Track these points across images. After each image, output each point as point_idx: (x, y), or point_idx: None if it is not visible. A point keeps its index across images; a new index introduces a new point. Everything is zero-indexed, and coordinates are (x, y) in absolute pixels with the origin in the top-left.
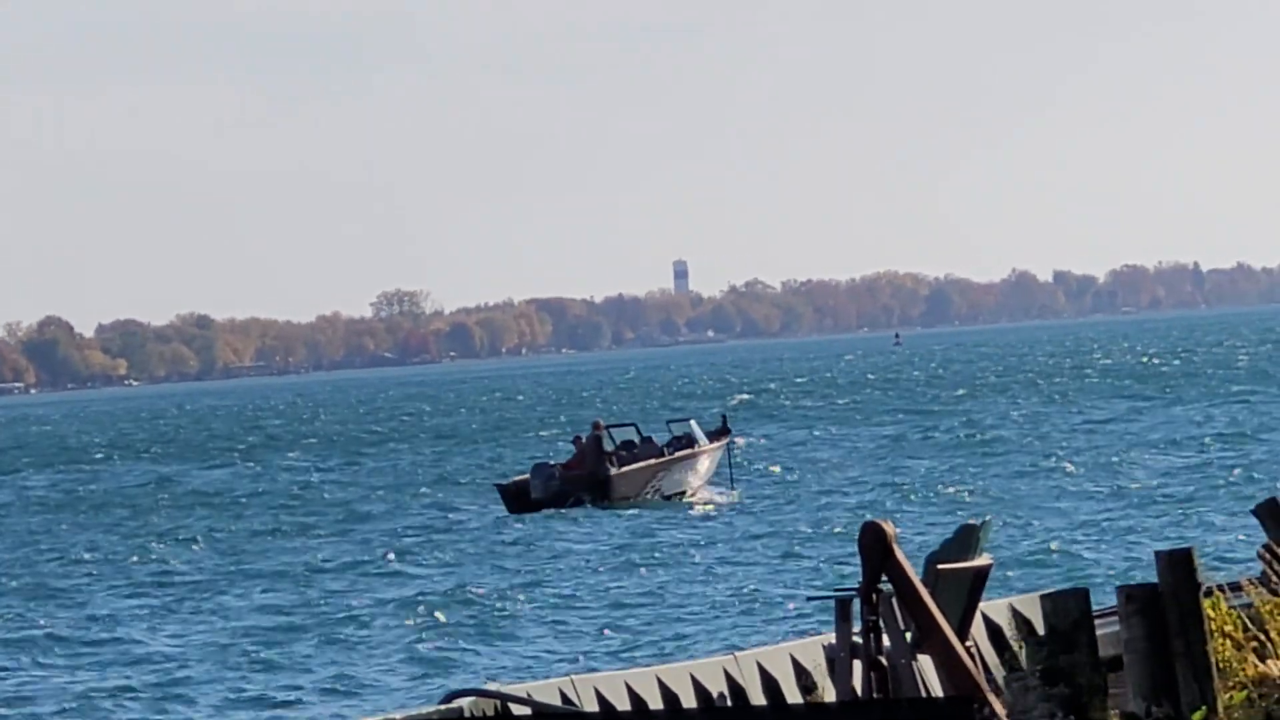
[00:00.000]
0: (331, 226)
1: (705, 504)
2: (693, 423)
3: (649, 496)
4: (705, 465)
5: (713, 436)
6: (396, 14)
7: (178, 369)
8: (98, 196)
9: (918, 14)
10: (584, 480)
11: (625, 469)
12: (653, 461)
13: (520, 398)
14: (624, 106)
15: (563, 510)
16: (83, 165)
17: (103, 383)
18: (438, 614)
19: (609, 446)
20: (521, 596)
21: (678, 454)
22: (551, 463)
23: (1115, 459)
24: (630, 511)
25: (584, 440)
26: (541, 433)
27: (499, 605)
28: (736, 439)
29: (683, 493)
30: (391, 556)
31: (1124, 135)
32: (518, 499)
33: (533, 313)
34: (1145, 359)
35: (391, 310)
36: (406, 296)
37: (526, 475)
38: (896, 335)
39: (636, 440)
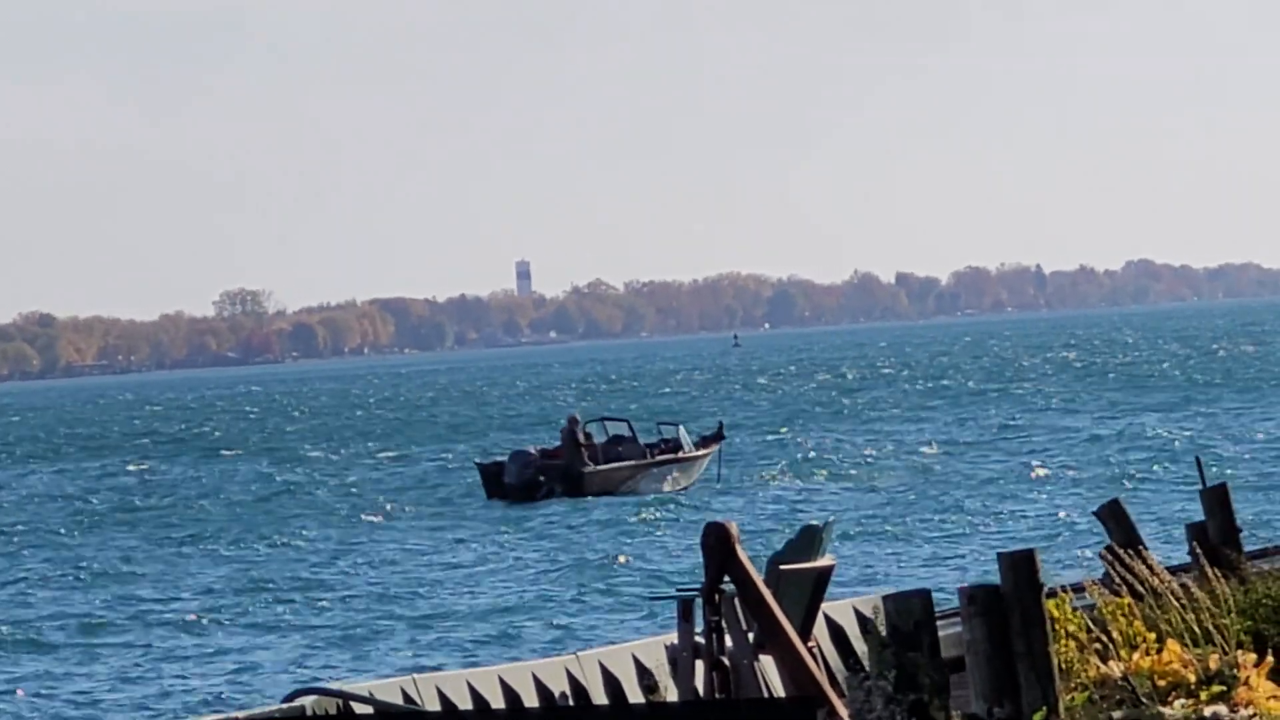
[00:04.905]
0: (174, 225)
1: (667, 499)
2: (681, 428)
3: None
4: (688, 471)
5: (706, 441)
6: (236, 10)
7: (20, 367)
8: None
9: (756, 14)
10: (558, 472)
11: (600, 468)
12: (630, 464)
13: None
14: (465, 105)
15: (534, 500)
16: None
17: None
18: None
19: (600, 439)
20: (393, 591)
21: (658, 458)
22: (531, 450)
23: (973, 461)
24: (595, 506)
25: (566, 429)
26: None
27: (372, 599)
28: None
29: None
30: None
31: (965, 136)
32: (495, 481)
33: (375, 313)
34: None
35: (234, 310)
36: (249, 296)
37: (505, 458)
38: (735, 336)
39: (626, 436)
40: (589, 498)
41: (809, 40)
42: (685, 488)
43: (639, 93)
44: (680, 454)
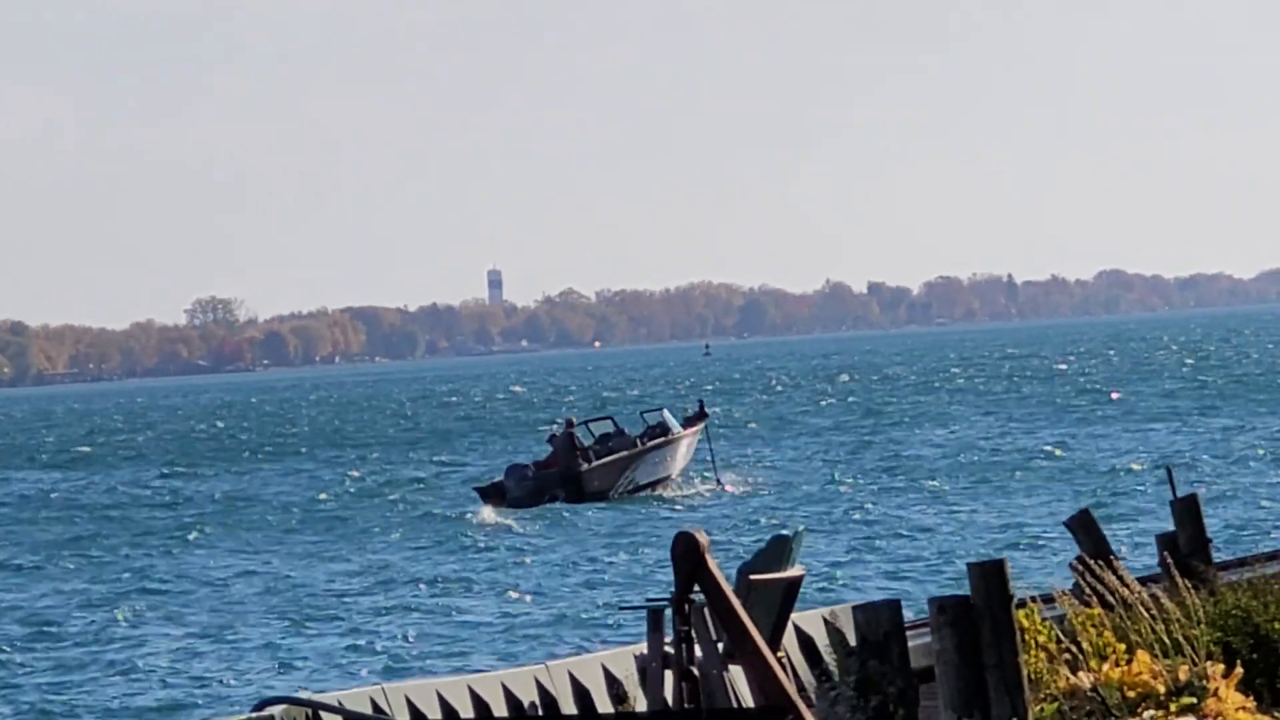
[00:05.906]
0: (146, 233)
1: (673, 496)
2: (665, 411)
3: (624, 488)
4: (681, 452)
5: (690, 421)
6: (215, 16)
7: None
8: None
9: (756, 14)
10: (557, 477)
11: (596, 464)
12: (624, 454)
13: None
14: (440, 114)
15: (536, 508)
16: None
17: None
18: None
19: (587, 441)
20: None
21: (650, 444)
22: (525, 463)
23: (944, 470)
24: (577, 512)
25: (558, 437)
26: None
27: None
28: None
29: (660, 480)
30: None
31: (938, 146)
32: (495, 500)
33: (347, 321)
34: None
35: (206, 318)
36: (221, 304)
37: (501, 477)
38: (706, 345)
39: (613, 432)
40: (579, 504)
41: (809, 40)
42: (683, 469)
43: (610, 102)
44: (670, 435)
